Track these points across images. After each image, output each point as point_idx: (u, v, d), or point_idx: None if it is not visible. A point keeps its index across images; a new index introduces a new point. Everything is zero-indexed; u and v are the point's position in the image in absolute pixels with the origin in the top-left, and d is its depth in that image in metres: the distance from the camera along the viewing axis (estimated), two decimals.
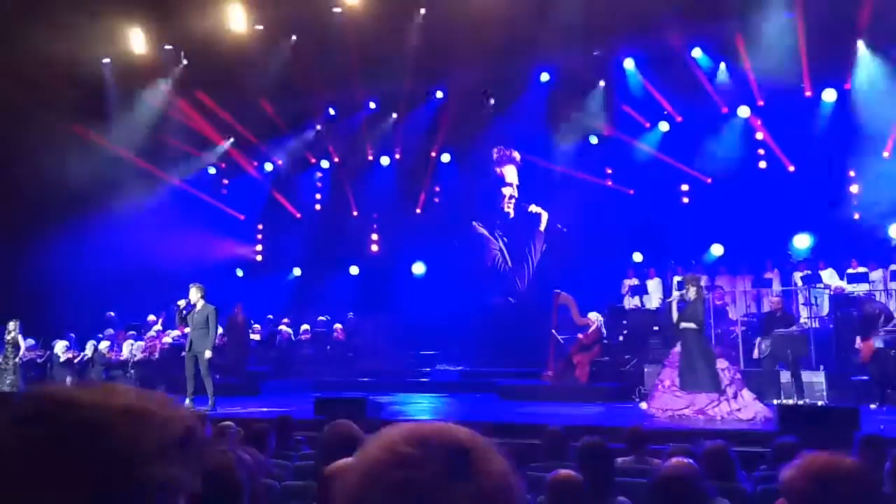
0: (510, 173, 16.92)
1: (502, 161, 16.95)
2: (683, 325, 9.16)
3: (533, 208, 16.72)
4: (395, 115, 17.81)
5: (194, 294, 10.23)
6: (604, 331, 12.73)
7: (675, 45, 14.88)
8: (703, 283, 9.15)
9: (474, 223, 17.45)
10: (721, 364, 9.11)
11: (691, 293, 9.19)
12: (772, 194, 14.44)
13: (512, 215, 17.00)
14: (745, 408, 8.76)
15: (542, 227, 16.65)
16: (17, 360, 13.06)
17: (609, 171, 16.52)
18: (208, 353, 10.03)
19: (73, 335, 15.56)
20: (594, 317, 12.72)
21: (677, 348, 9.30)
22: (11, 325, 12.99)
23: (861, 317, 10.95)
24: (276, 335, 16.26)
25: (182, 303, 10.21)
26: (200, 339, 10.09)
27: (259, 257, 19.54)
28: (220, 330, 11.25)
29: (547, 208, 16.84)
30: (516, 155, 16.86)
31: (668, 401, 9.12)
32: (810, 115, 14.69)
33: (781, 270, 14.12)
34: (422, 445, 0.83)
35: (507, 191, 16.97)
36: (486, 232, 17.21)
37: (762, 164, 15.31)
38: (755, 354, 11.05)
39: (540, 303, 14.37)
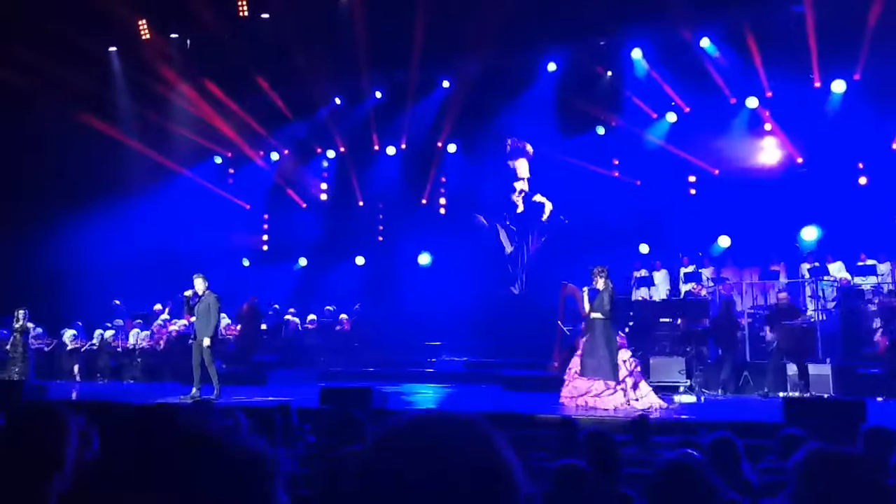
0: (522, 167, 16.91)
1: (515, 153, 16.93)
2: (592, 314, 9.27)
3: (537, 198, 16.69)
4: (401, 105, 17.76)
5: (199, 284, 10.30)
6: None
7: (683, 35, 14.78)
8: (607, 275, 9.34)
9: (477, 216, 17.43)
10: (623, 356, 9.25)
11: (599, 284, 9.33)
12: (779, 186, 14.35)
13: (521, 209, 16.98)
14: (641, 398, 8.94)
15: (545, 217, 16.62)
16: (25, 348, 13.12)
17: (616, 162, 16.45)
18: (207, 342, 10.08)
19: (80, 323, 15.65)
20: None
21: (585, 337, 9.42)
22: (20, 313, 13.05)
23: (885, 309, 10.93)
24: (283, 325, 16.31)
25: (189, 293, 10.27)
26: (203, 327, 10.18)
27: (265, 247, 19.56)
28: (228, 320, 11.29)
29: (553, 199, 16.81)
30: (529, 148, 16.84)
31: (572, 388, 9.28)
32: (819, 107, 14.57)
33: (788, 263, 14.06)
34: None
35: (519, 185, 16.95)
36: (486, 223, 17.20)
37: (770, 156, 15.21)
38: (769, 337, 11.07)
39: (546, 294, 14.34)
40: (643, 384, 9.17)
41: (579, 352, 9.42)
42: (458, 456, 0.88)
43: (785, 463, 4.29)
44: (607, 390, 8.98)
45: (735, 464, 4.13)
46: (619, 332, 9.65)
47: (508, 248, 17.08)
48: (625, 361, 9.18)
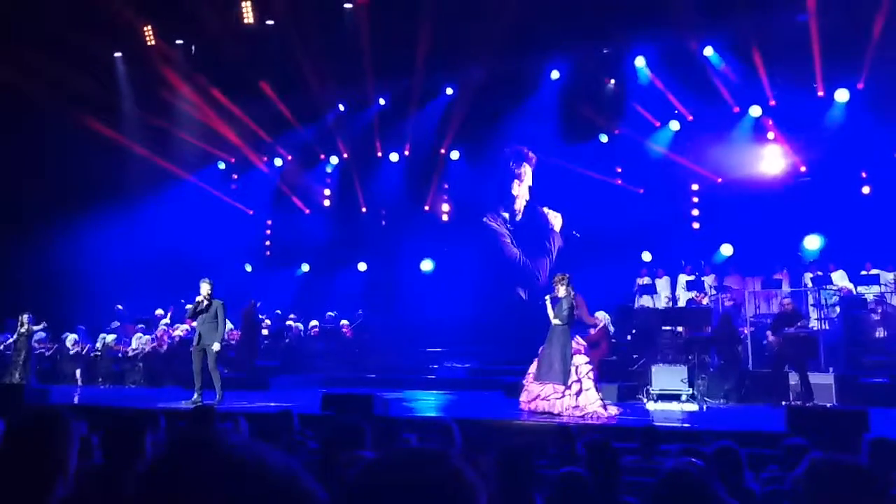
0: (526, 174, 16.92)
1: (520, 160, 16.94)
2: (553, 321, 9.52)
3: (547, 211, 16.70)
4: (404, 112, 17.79)
5: (205, 289, 10.30)
6: (611, 329, 12.69)
7: (686, 44, 14.80)
8: (569, 283, 9.53)
9: (485, 219, 17.40)
10: (577, 361, 9.40)
11: (560, 291, 9.51)
12: (783, 195, 14.34)
13: (520, 216, 16.98)
14: (587, 405, 9.07)
15: (558, 228, 16.62)
16: (27, 352, 13.15)
17: (619, 170, 16.45)
18: (216, 347, 10.10)
19: (83, 328, 15.66)
20: (601, 316, 12.70)
21: (546, 343, 9.64)
22: (24, 317, 13.08)
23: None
24: (285, 330, 16.31)
25: (200, 298, 10.28)
26: (209, 332, 10.17)
27: (268, 252, 19.58)
28: (230, 325, 11.30)
29: (556, 207, 16.80)
30: (532, 156, 16.85)
31: (527, 392, 9.54)
32: (822, 116, 14.57)
33: (791, 271, 14.03)
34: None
35: (521, 191, 16.95)
36: (497, 226, 17.16)
37: (773, 165, 15.20)
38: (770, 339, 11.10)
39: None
40: (591, 392, 9.27)
41: (538, 358, 9.68)
42: (431, 492, 0.92)
43: (788, 472, 4.28)
44: (555, 394, 9.25)
45: (737, 473, 4.11)
46: (577, 338, 9.85)
47: (516, 251, 17.01)
48: (577, 368, 9.37)
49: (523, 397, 9.61)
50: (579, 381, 9.24)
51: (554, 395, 9.21)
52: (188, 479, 0.84)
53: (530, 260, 16.85)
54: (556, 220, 16.66)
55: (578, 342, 9.79)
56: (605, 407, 9.16)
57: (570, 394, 9.15)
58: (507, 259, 17.14)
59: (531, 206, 16.94)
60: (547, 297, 9.80)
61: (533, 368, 9.66)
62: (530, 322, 14.69)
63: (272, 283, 17.63)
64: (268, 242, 19.66)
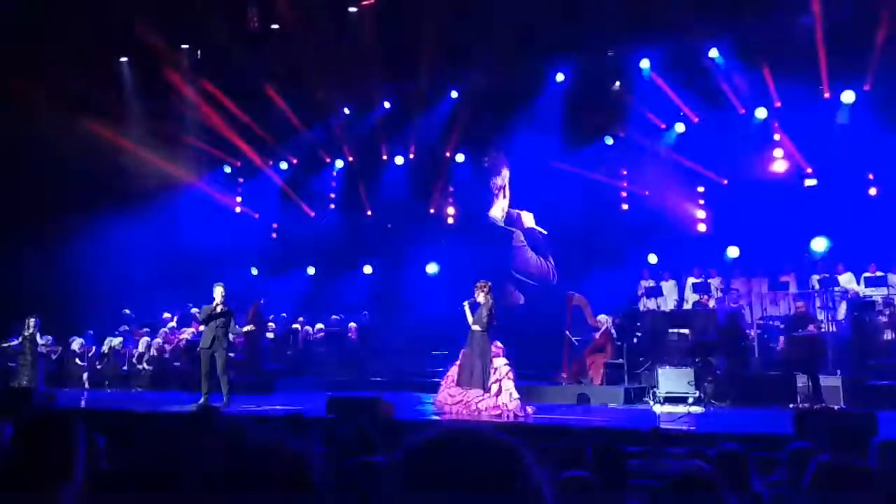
0: (505, 180, 16.84)
1: (497, 168, 16.87)
2: (473, 326, 9.85)
3: (520, 212, 16.63)
4: (409, 115, 17.80)
5: (219, 292, 10.36)
6: (613, 332, 12.66)
7: (691, 46, 14.77)
8: (488, 290, 9.98)
9: (492, 216, 17.18)
10: (497, 363, 9.79)
11: (480, 297, 9.89)
12: (789, 196, 14.29)
13: (502, 222, 16.89)
14: (505, 404, 9.50)
15: (532, 225, 16.51)
16: (34, 356, 13.19)
17: (624, 173, 16.42)
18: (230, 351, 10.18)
19: (91, 332, 15.72)
20: (603, 319, 12.70)
21: (466, 348, 9.96)
22: (30, 321, 13.13)
23: None
24: (291, 334, 16.32)
25: (217, 303, 10.34)
26: (222, 337, 10.22)
27: (273, 256, 19.59)
28: (242, 329, 11.35)
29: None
30: (503, 157, 16.78)
31: (447, 395, 9.87)
32: (829, 117, 14.52)
33: (798, 273, 13.98)
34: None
35: (503, 200, 16.86)
36: (504, 225, 16.99)
37: (779, 166, 15.16)
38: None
39: (554, 304, 14.31)
40: (510, 392, 9.67)
41: (458, 361, 10.00)
42: (485, 472, 0.89)
43: (794, 476, 4.25)
44: (477, 398, 9.60)
45: (744, 476, 4.10)
46: (496, 343, 10.17)
47: (531, 254, 16.84)
48: (496, 369, 9.73)
49: (440, 397, 9.99)
50: (498, 381, 9.64)
51: (476, 399, 9.59)
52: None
53: (544, 261, 16.67)
54: (527, 218, 16.59)
55: (497, 346, 10.16)
56: (522, 408, 9.57)
57: (489, 396, 9.56)
58: (526, 261, 16.87)
59: (509, 207, 16.81)
60: (465, 303, 10.10)
61: (453, 372, 10.00)
62: (536, 326, 14.72)
63: (278, 286, 17.65)
64: (273, 246, 19.64)
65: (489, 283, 10.05)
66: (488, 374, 9.66)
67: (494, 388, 9.62)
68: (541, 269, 16.50)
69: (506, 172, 16.78)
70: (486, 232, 17.32)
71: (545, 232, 16.01)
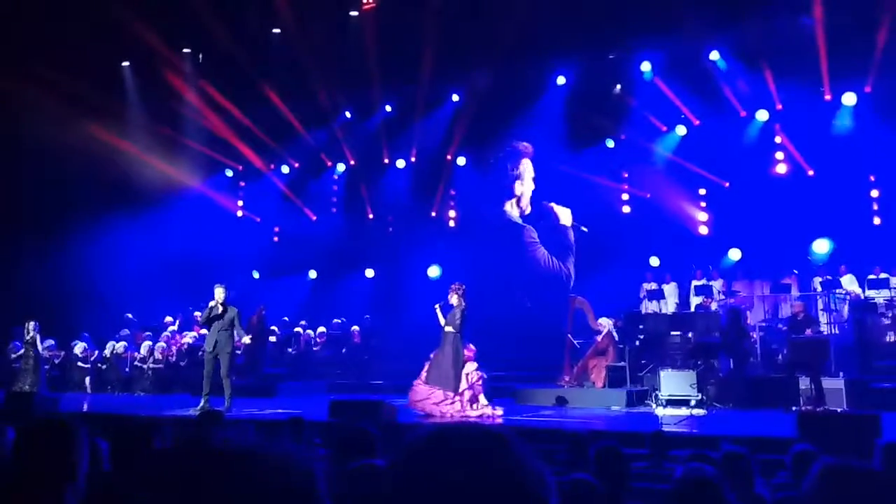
0: (526, 169, 16.72)
1: (516, 159, 16.80)
2: (445, 328, 10.05)
3: (554, 206, 16.49)
4: (411, 118, 17.81)
5: (219, 294, 10.26)
6: (615, 335, 12.64)
7: (692, 48, 14.78)
8: (462, 293, 10.17)
9: (506, 211, 17.00)
10: (468, 368, 9.96)
11: (453, 300, 10.08)
12: (790, 198, 14.28)
13: (528, 210, 16.75)
14: (475, 412, 9.71)
15: (568, 223, 16.36)
16: (36, 360, 13.18)
17: (626, 175, 16.42)
18: (235, 352, 10.16)
19: (87, 335, 15.72)
20: (605, 321, 12.68)
21: (438, 348, 10.15)
22: (30, 325, 13.13)
23: None
24: (293, 337, 16.32)
25: (214, 303, 10.24)
26: (226, 340, 10.14)
27: (275, 259, 19.59)
28: (244, 338, 11.29)
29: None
30: (527, 146, 16.62)
31: (414, 392, 10.00)
32: (830, 119, 14.51)
33: (800, 275, 13.96)
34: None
35: (525, 188, 16.75)
36: (519, 220, 16.87)
37: (781, 168, 15.15)
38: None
39: (556, 307, 14.29)
40: (482, 398, 9.94)
41: (429, 361, 10.14)
42: (484, 468, 0.89)
43: (798, 479, 4.24)
44: (446, 400, 9.75)
45: (747, 479, 4.09)
46: (469, 346, 10.33)
47: (544, 252, 16.70)
48: (467, 375, 9.91)
49: (411, 396, 10.07)
50: (471, 388, 9.85)
51: (444, 401, 9.75)
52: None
53: (558, 259, 16.58)
54: (564, 214, 16.49)
55: (470, 349, 10.30)
56: (492, 415, 9.73)
57: (459, 400, 9.74)
58: (537, 260, 16.77)
59: (537, 200, 16.69)
60: (437, 306, 10.29)
61: (424, 371, 10.12)
62: (539, 329, 14.70)
63: (280, 290, 17.65)
64: (275, 249, 19.65)
65: (464, 286, 10.24)
66: (459, 377, 9.84)
67: (468, 394, 9.82)
68: (551, 269, 16.40)
69: (527, 162, 16.68)
70: (489, 234, 17.28)
71: (586, 230, 15.85)
